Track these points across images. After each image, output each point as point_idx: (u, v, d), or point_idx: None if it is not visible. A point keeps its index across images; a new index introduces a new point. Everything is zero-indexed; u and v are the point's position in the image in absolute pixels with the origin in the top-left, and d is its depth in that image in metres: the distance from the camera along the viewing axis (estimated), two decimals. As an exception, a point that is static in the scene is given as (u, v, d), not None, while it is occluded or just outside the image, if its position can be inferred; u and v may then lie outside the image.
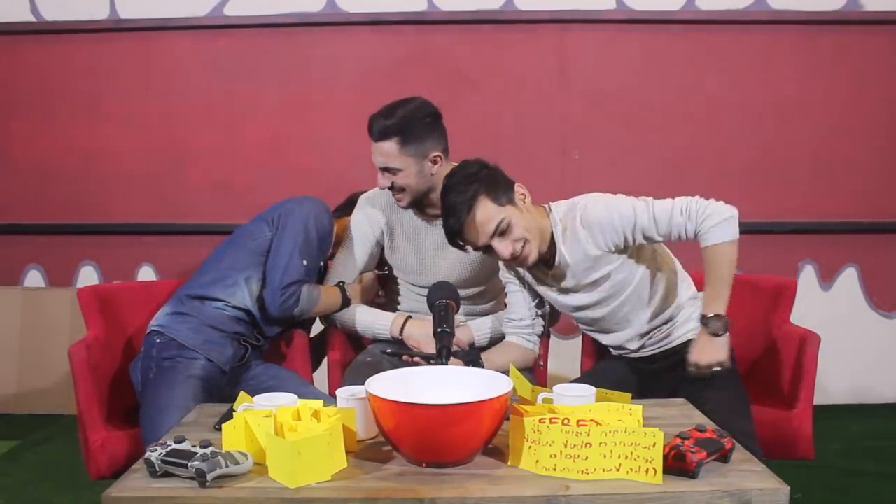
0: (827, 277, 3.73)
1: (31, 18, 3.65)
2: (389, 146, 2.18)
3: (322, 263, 2.39)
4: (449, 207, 2.00)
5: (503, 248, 1.99)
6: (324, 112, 3.63)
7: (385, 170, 2.20)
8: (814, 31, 3.58)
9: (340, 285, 2.33)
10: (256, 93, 3.65)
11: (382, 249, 2.40)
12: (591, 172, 3.65)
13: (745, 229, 3.54)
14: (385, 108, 2.21)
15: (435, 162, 2.23)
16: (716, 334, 1.92)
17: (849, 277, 3.73)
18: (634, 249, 2.07)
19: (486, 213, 1.97)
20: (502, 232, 1.98)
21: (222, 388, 2.14)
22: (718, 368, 1.93)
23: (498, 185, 2.01)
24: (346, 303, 2.32)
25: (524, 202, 2.05)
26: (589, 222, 2.03)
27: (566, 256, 2.06)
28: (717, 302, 1.94)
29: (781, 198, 3.66)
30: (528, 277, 2.19)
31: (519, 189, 2.05)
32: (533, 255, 2.02)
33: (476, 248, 2.05)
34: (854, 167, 3.64)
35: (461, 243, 2.04)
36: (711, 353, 1.92)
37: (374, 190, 2.39)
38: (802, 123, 3.63)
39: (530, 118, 3.63)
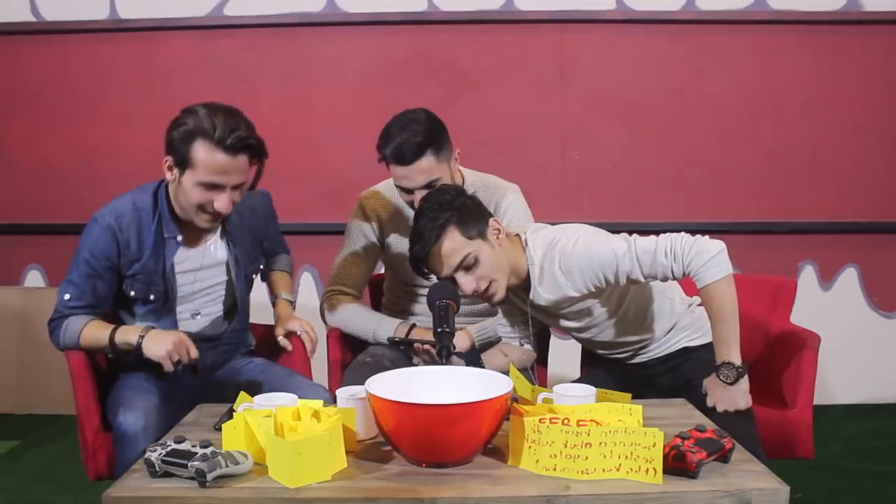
0: (827, 277, 3.73)
1: (32, 18, 3.65)
2: (428, 161, 2.12)
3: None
4: (417, 233, 1.94)
5: (466, 283, 1.94)
6: (324, 112, 3.63)
7: (426, 187, 2.13)
8: (814, 31, 3.58)
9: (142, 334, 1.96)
10: (256, 93, 3.65)
11: (383, 249, 2.40)
12: (591, 172, 3.66)
13: (745, 229, 3.62)
14: (397, 130, 2.13)
15: (456, 159, 2.24)
16: (728, 383, 1.85)
17: (849, 277, 3.73)
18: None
19: (453, 245, 1.92)
20: (467, 267, 1.93)
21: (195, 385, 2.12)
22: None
23: (471, 217, 1.95)
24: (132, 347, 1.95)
25: (497, 237, 1.98)
26: (568, 269, 1.95)
27: (543, 295, 2.01)
28: (725, 347, 1.85)
29: (781, 198, 3.66)
30: (512, 297, 2.14)
31: (493, 224, 1.99)
32: (499, 294, 1.97)
33: (440, 278, 1.99)
34: (854, 167, 3.64)
35: (425, 271, 1.99)
36: (728, 401, 1.84)
37: (372, 189, 2.40)
38: (802, 123, 3.63)
39: (530, 118, 3.63)
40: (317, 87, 3.64)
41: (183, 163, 1.91)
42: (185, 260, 2.07)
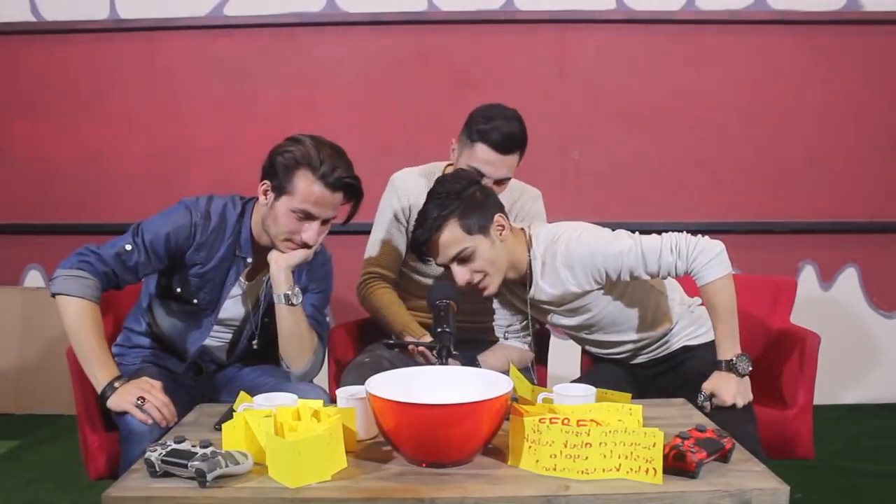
0: (827, 277, 3.73)
1: (32, 18, 3.66)
2: (515, 160, 2.21)
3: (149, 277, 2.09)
4: (421, 216, 1.97)
5: (460, 274, 1.97)
6: (324, 112, 3.63)
7: (497, 182, 2.18)
8: (814, 31, 3.59)
9: (116, 378, 1.84)
10: (257, 93, 3.65)
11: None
12: (591, 172, 3.66)
13: (746, 229, 3.63)
14: (500, 118, 2.17)
15: None
16: (745, 374, 1.86)
17: (849, 277, 3.73)
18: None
19: (452, 237, 1.95)
20: (463, 259, 1.96)
21: (195, 387, 2.12)
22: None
23: (476, 211, 1.97)
24: (103, 394, 1.83)
25: (500, 234, 1.99)
26: (571, 263, 1.97)
27: (545, 289, 2.03)
28: (732, 341, 1.88)
29: (781, 198, 3.66)
30: (508, 294, 2.16)
31: (499, 219, 2.00)
32: (491, 288, 2.00)
33: (437, 264, 2.03)
34: (854, 167, 3.65)
35: (423, 253, 2.02)
36: (745, 392, 1.85)
37: (405, 170, 2.42)
38: (802, 123, 3.63)
39: (530, 118, 3.58)
40: (317, 87, 3.64)
41: (281, 188, 1.91)
42: (239, 286, 2.08)
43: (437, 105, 3.58)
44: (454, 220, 1.94)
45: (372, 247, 2.41)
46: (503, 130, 2.15)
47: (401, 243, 2.39)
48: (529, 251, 2.03)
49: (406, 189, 2.36)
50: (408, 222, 2.35)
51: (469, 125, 2.21)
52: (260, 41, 3.63)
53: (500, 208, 2.04)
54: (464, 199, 1.96)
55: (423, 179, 2.34)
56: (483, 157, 2.16)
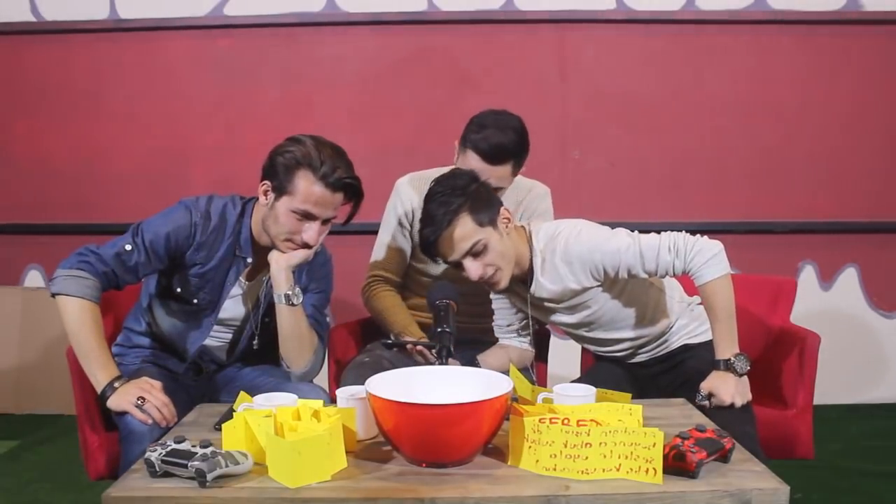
0: (827, 277, 3.73)
1: (32, 18, 3.66)
2: (506, 169, 2.18)
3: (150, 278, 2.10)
4: (428, 216, 1.95)
5: (474, 269, 1.96)
6: (324, 112, 3.63)
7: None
8: (813, 31, 3.59)
9: (116, 378, 1.84)
10: (257, 93, 3.65)
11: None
12: (591, 172, 3.66)
13: (745, 229, 3.63)
14: (494, 127, 2.15)
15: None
16: (743, 374, 1.86)
17: (849, 277, 3.73)
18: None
19: (465, 230, 1.93)
20: (476, 253, 1.95)
21: (195, 388, 2.12)
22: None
23: (483, 205, 1.97)
24: (102, 394, 1.83)
25: (506, 227, 2.00)
26: (569, 260, 1.98)
27: (545, 285, 2.03)
28: (730, 341, 1.88)
29: (781, 198, 3.66)
30: (508, 293, 2.16)
31: (504, 213, 2.01)
32: (503, 282, 1.99)
33: (446, 262, 2.01)
34: (854, 167, 3.65)
35: (433, 254, 2.01)
36: (744, 392, 1.86)
37: (409, 175, 2.43)
38: (802, 123, 3.63)
39: (530, 118, 3.58)
40: (317, 87, 3.64)
41: (281, 189, 1.91)
42: (239, 286, 2.09)
43: (438, 105, 3.58)
44: (465, 213, 1.93)
45: (377, 250, 2.42)
46: (492, 140, 2.13)
47: (405, 247, 2.40)
48: (531, 248, 2.04)
49: (409, 194, 2.37)
50: (411, 226, 2.36)
51: (465, 131, 2.21)
52: (260, 41, 3.63)
53: (501, 202, 2.05)
54: (468, 193, 1.96)
55: (426, 184, 2.34)
56: (473, 165, 2.16)
